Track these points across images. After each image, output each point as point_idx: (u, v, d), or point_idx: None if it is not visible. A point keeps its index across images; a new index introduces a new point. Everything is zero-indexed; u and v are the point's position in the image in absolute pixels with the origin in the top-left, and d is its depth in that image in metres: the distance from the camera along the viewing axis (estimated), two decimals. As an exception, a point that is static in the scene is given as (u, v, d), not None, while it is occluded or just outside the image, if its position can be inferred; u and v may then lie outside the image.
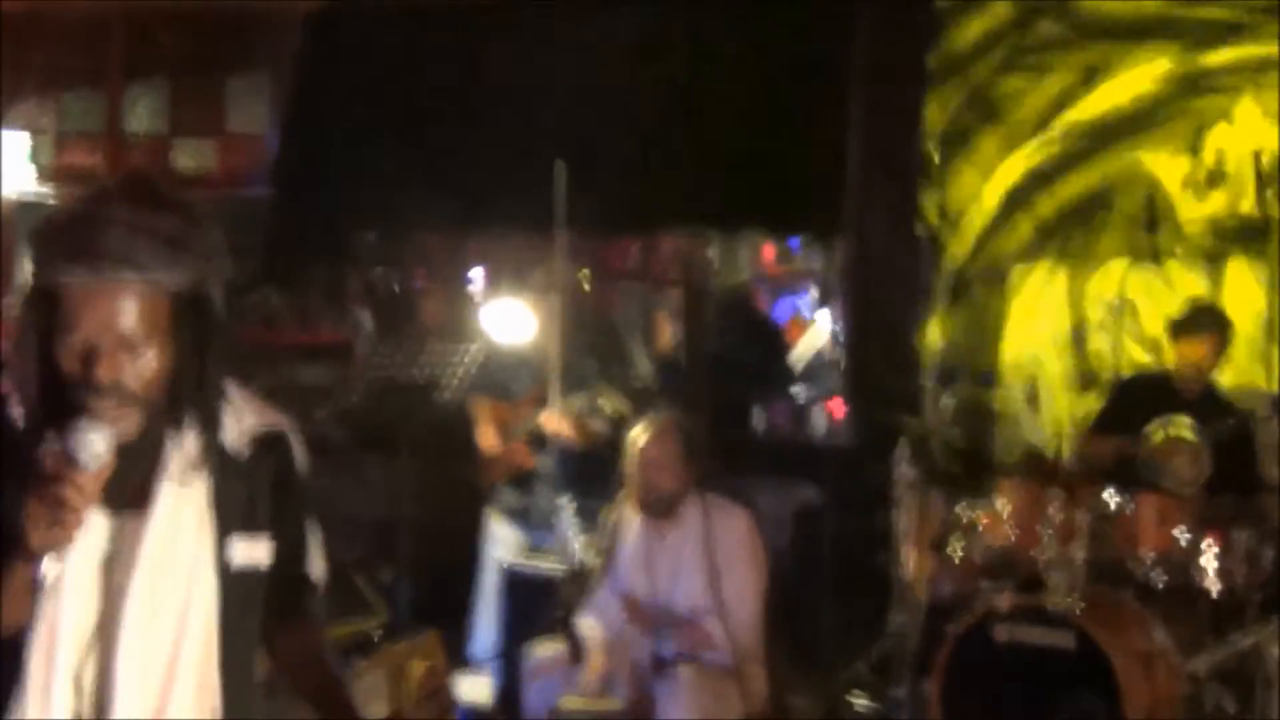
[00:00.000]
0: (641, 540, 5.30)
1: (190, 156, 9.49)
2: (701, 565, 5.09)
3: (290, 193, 8.68)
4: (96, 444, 2.20)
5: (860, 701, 6.22)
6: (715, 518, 5.17)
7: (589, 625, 5.27)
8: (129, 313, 2.25)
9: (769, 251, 10.06)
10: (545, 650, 5.31)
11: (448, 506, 6.69)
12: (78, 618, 2.34)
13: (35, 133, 9.44)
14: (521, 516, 6.37)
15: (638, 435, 5.31)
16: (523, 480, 6.33)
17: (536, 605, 5.84)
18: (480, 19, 8.07)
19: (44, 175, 9.03)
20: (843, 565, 6.43)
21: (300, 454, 2.56)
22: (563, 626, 5.24)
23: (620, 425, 6.01)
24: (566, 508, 6.07)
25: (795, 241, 9.88)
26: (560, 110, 7.76)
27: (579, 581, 5.55)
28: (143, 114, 9.58)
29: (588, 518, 6.25)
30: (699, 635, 5.10)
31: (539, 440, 6.21)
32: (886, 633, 6.11)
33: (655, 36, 7.90)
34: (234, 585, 2.42)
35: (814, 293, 10.00)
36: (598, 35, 7.85)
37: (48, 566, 2.22)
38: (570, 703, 5.13)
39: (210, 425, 2.39)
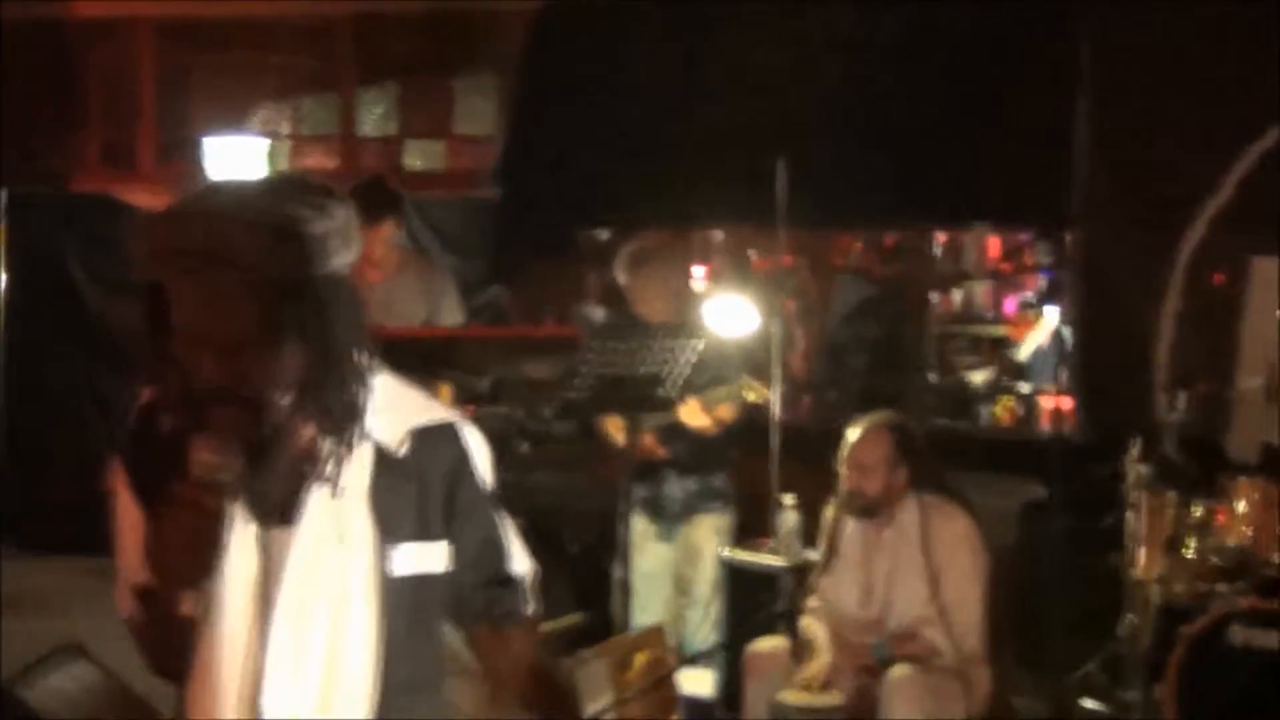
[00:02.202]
0: (859, 539, 5.27)
1: (420, 157, 9.70)
2: (919, 566, 5.03)
3: (517, 191, 8.82)
4: (214, 456, 2.11)
5: (1090, 704, 6.10)
6: (932, 518, 5.11)
7: (812, 625, 5.25)
8: (231, 309, 2.11)
9: (995, 245, 9.91)
10: (766, 645, 5.30)
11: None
12: (233, 642, 2.24)
13: (273, 137, 9.73)
14: (652, 506, 6.38)
15: (850, 435, 5.28)
16: (652, 470, 6.33)
17: (756, 599, 5.85)
18: (702, 15, 8.10)
19: (281, 178, 9.28)
20: (1072, 564, 6.30)
21: (476, 446, 2.38)
22: (785, 621, 5.23)
23: (758, 411, 6.06)
24: (788, 503, 6.07)
25: (1024, 235, 9.72)
26: (783, 104, 7.75)
27: (800, 577, 5.55)
28: (375, 117, 9.82)
29: (714, 501, 6.30)
30: (919, 647, 5.04)
31: (671, 430, 6.21)
32: (1117, 634, 5.98)
33: (878, 29, 7.85)
34: (400, 593, 2.28)
35: (1042, 287, 9.82)
36: (820, 29, 7.83)
37: (192, 597, 2.12)
38: (791, 696, 5.12)
39: (342, 426, 2.23)
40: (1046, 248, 9.41)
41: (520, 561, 2.48)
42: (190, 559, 2.12)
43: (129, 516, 2.31)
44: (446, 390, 6.32)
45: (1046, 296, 9.54)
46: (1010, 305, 9.92)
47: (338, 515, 2.24)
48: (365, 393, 2.26)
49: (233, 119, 9.47)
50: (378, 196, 6.61)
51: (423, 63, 9.56)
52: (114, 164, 9.56)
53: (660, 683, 5.17)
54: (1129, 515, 5.81)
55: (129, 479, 2.32)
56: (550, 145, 8.53)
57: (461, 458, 2.36)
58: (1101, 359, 7.51)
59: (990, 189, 7.77)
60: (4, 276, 9.22)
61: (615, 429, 6.23)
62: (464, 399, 6.56)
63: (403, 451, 2.29)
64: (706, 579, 6.35)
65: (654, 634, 5.53)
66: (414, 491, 2.30)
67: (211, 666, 2.25)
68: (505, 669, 2.51)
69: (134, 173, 9.45)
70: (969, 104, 7.64)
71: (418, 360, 5.79)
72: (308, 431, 2.23)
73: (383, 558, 2.26)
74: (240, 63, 9.60)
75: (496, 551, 2.43)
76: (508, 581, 2.45)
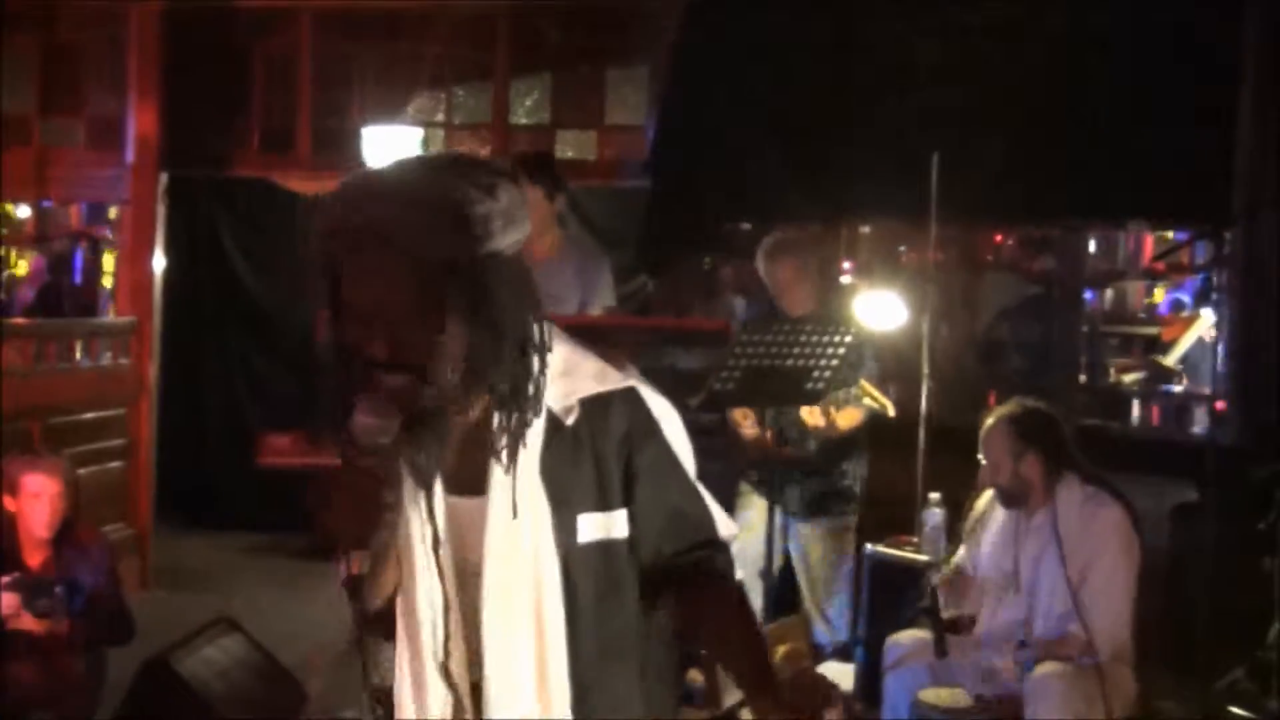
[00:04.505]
0: (1010, 524, 5.22)
1: (572, 147, 9.78)
2: (1065, 552, 4.95)
3: (666, 183, 8.84)
4: (373, 421, 2.16)
5: (1237, 711, 5.98)
6: (1086, 505, 5.04)
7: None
8: (397, 286, 2.16)
9: (1149, 244, 9.77)
10: (908, 640, 5.27)
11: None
12: (431, 606, 2.29)
13: (428, 126, 9.87)
14: (770, 497, 6.38)
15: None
16: (769, 465, 6.32)
17: (900, 596, 5.81)
18: (855, 6, 8.07)
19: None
20: (1223, 568, 6.19)
21: (661, 411, 2.39)
22: (928, 616, 5.19)
23: (878, 415, 6.04)
24: (933, 500, 6.03)
25: (1181, 234, 9.57)
26: (937, 98, 7.70)
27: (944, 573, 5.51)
28: (527, 106, 9.92)
29: (837, 504, 6.39)
30: (1066, 647, 4.98)
31: (792, 430, 6.20)
32: (1267, 642, 5.86)
33: (1034, 22, 7.76)
34: (586, 560, 2.30)
35: (1197, 286, 9.66)
36: (977, 22, 7.76)
37: (353, 561, 2.17)
38: (932, 695, 5.08)
39: (513, 401, 2.25)
40: (1204, 247, 9.26)
41: (726, 525, 2.45)
42: (352, 519, 2.18)
43: None
44: None
45: (1204, 295, 9.40)
46: (1163, 305, 9.78)
47: (516, 488, 2.25)
48: (540, 367, 2.27)
49: (389, 108, 9.62)
50: (533, 164, 6.67)
51: (576, 53, 9.64)
52: (273, 151, 9.77)
53: (800, 674, 5.15)
54: (1282, 520, 5.70)
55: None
56: (700, 137, 8.55)
57: (640, 423, 2.35)
58: (1258, 360, 7.37)
59: (1147, 186, 7.65)
60: (163, 258, 9.46)
61: (743, 418, 6.24)
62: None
63: (571, 420, 2.29)
64: (832, 579, 6.37)
65: (795, 626, 5.53)
66: (589, 461, 2.30)
67: (407, 628, 2.33)
68: (716, 634, 2.44)
69: (293, 159, 9.65)
70: (1127, 98, 7.53)
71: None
72: (479, 406, 2.28)
73: (564, 528, 2.28)
74: (398, 53, 9.76)
75: (697, 515, 2.41)
76: (714, 544, 2.42)
